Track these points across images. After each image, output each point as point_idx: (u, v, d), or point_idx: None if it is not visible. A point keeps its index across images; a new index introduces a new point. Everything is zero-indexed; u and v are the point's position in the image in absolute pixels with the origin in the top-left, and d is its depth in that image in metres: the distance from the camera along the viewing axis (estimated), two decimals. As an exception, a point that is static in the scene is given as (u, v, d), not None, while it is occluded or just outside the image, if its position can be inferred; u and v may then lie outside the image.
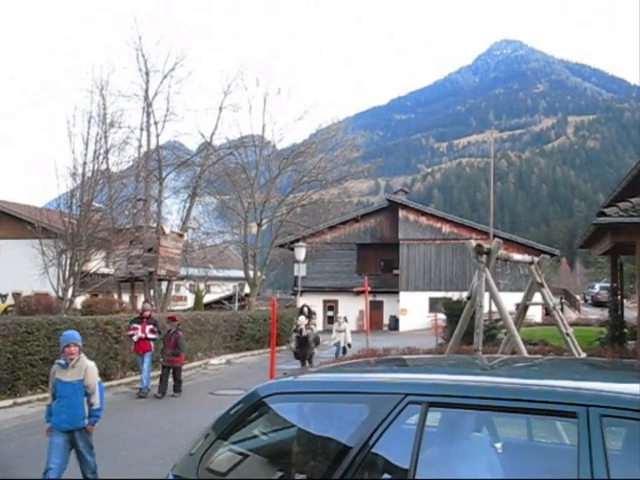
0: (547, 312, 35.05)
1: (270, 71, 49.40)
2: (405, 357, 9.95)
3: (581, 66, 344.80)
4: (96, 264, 26.30)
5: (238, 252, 43.71)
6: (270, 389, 3.79)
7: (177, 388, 16.28)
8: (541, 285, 12.40)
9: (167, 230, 30.92)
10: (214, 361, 23.78)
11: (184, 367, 21.87)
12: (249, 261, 37.52)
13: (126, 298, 31.26)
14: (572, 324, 17.29)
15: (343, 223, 48.71)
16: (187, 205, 35.09)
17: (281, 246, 42.98)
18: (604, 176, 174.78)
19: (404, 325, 45.57)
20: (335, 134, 40.39)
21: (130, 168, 32.12)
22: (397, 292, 47.53)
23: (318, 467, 3.40)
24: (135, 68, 33.06)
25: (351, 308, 46.95)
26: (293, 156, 39.08)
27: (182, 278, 38.78)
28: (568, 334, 12.25)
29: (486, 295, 11.92)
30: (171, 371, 16.42)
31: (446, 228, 48.45)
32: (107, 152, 26.89)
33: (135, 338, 16.55)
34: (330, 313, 50.11)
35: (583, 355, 12.00)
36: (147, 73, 32.55)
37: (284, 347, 25.96)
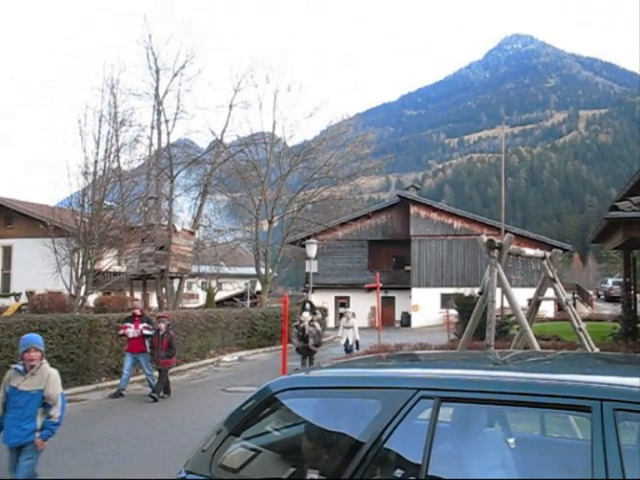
0: (559, 307, 34.99)
1: (280, 68, 49.44)
2: (417, 352, 9.94)
3: (592, 60, 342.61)
4: (108, 262, 26.42)
5: (249, 249, 43.71)
6: (282, 385, 3.79)
7: (166, 389, 15.58)
8: (553, 280, 12.34)
9: (179, 228, 30.96)
10: (226, 358, 23.84)
11: (188, 366, 22.04)
12: (260, 258, 37.55)
13: (138, 296, 31.35)
14: (585, 319, 17.21)
15: (354, 220, 48.71)
16: (198, 203, 35.15)
17: (292, 243, 43.02)
18: (616, 170, 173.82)
19: (416, 321, 45.55)
20: (346, 130, 40.32)
21: (141, 166, 32.23)
22: (409, 288, 47.51)
23: (330, 463, 3.40)
24: (145, 66, 33.08)
25: (363, 304, 47.01)
26: (304, 153, 39.08)
27: (194, 276, 38.88)
28: (581, 329, 12.20)
29: (498, 290, 11.88)
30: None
31: (457, 224, 48.37)
32: (118, 150, 26.99)
33: (130, 334, 15.85)
34: (342, 310, 50.10)
35: (596, 350, 11.95)
36: (157, 71, 32.58)
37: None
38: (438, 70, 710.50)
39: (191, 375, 20.21)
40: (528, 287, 28.98)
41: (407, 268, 49.02)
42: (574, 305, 15.69)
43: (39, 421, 7.03)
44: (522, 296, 20.01)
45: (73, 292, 23.40)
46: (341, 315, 22.17)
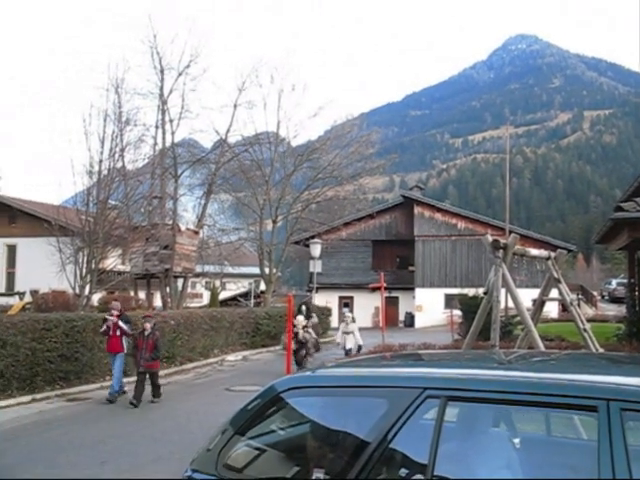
0: (564, 308, 34.92)
1: (284, 68, 49.42)
2: (422, 352, 9.93)
3: (597, 60, 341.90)
4: (112, 261, 26.43)
5: (253, 249, 43.77)
6: (287, 384, 3.79)
7: (156, 393, 14.91)
8: (558, 281, 12.33)
9: (183, 227, 31.01)
10: (230, 357, 23.87)
11: (192, 366, 22.06)
12: (264, 258, 37.56)
13: (142, 295, 31.39)
14: (589, 320, 17.18)
15: (358, 220, 48.68)
16: (202, 202, 35.16)
17: (296, 243, 43.01)
18: (620, 171, 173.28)
19: (420, 321, 45.50)
20: (350, 130, 40.35)
21: (146, 166, 32.27)
22: (412, 288, 47.47)
23: (336, 462, 3.40)
24: (150, 66, 33.12)
25: (367, 305, 47.05)
26: (308, 153, 39.08)
27: (198, 275, 38.90)
28: (586, 330, 12.18)
29: (502, 291, 11.87)
30: (147, 377, 14.83)
31: (461, 224, 48.31)
32: (123, 150, 26.99)
33: (108, 324, 15.09)
34: (346, 310, 50.13)
35: (601, 351, 11.93)
36: (162, 71, 32.60)
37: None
38: (442, 70, 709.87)
39: (195, 374, 20.24)
40: (532, 288, 28.99)
41: (411, 268, 48.97)
42: (578, 306, 15.68)
43: None
44: (526, 297, 19.97)
45: (77, 291, 23.42)
46: (342, 319, 21.62)
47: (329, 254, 44.53)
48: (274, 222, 37.81)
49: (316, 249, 29.25)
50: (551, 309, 35.46)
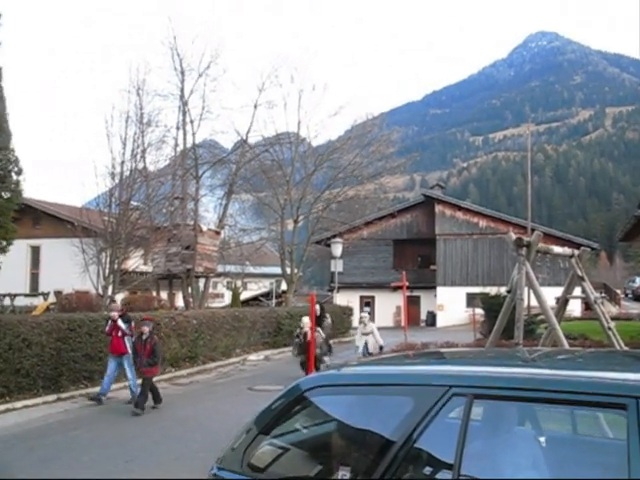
0: (587, 306, 34.65)
1: (304, 68, 49.53)
2: (445, 350, 9.88)
3: (619, 56, 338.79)
4: (135, 262, 26.58)
5: (275, 249, 43.87)
6: (312, 382, 3.80)
7: (157, 398, 14.12)
8: (582, 279, 12.24)
9: (204, 228, 31.12)
10: (252, 357, 23.91)
11: (215, 365, 22.11)
12: (286, 258, 37.59)
13: (164, 295, 31.54)
14: (613, 318, 17.03)
15: (379, 219, 48.64)
16: (224, 202, 35.26)
17: (317, 242, 43.01)
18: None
19: (441, 321, 45.35)
20: (370, 130, 40.26)
21: (167, 167, 32.42)
22: (434, 287, 47.31)
23: (361, 461, 3.40)
24: (170, 67, 33.23)
25: (388, 304, 47.01)
26: (328, 152, 39.08)
27: (219, 275, 39.02)
28: (610, 328, 12.08)
29: (525, 289, 11.81)
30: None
31: (483, 222, 48.08)
32: (144, 151, 27.15)
33: (109, 326, 14.69)
34: (367, 309, 50.07)
35: (626, 349, 11.83)
36: (182, 72, 32.70)
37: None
38: (462, 69, 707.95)
39: (217, 374, 20.31)
40: (555, 286, 28.77)
41: (432, 267, 48.82)
42: (602, 304, 15.58)
43: None
44: (549, 295, 19.83)
45: (100, 291, 23.58)
46: (360, 321, 20.57)
47: (350, 253, 44.48)
48: (295, 222, 37.83)
49: (337, 248, 29.25)
50: (574, 308, 35.22)
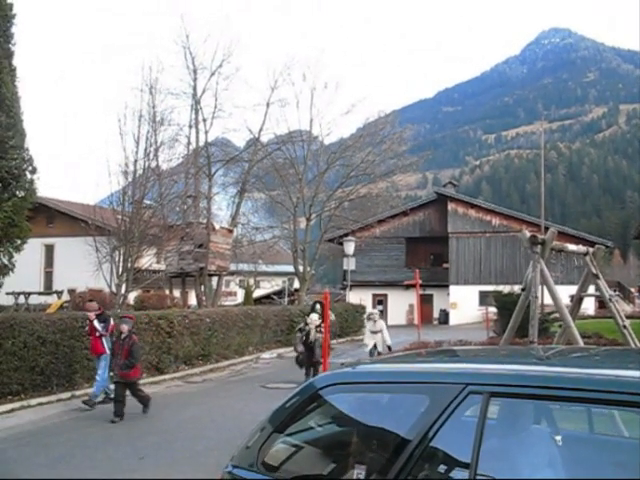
0: (601, 305, 34.48)
1: (317, 66, 49.71)
2: (460, 348, 9.83)
3: (633, 53, 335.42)
4: (148, 260, 26.66)
5: (287, 247, 43.86)
6: (327, 380, 3.78)
7: (144, 403, 13.03)
8: (596, 276, 12.17)
9: (217, 226, 31.18)
10: (265, 355, 23.94)
11: (228, 363, 22.12)
12: (298, 256, 37.62)
13: (177, 293, 31.65)
14: (627, 317, 16.94)
15: (392, 217, 48.60)
16: (236, 201, 35.33)
17: (330, 241, 43.03)
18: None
19: (454, 319, 45.32)
20: (382, 128, 40.22)
21: (180, 165, 32.50)
22: (447, 286, 47.28)
23: (376, 459, 3.38)
24: (183, 66, 33.33)
25: (401, 302, 47.03)
26: (341, 150, 39.08)
27: (232, 273, 39.11)
28: (625, 326, 12.00)
29: (540, 287, 11.75)
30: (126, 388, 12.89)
31: (496, 220, 48.01)
32: (157, 149, 27.25)
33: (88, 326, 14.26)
34: (380, 307, 50.07)
35: (641, 348, 11.76)
36: (195, 71, 32.79)
37: (334, 341, 25.84)
38: (475, 66, 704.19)
39: (230, 372, 20.36)
40: (568, 284, 28.71)
41: (445, 265, 48.79)
42: (616, 302, 15.48)
43: None
44: (562, 293, 19.75)
45: (114, 290, 23.67)
46: (379, 313, 19.93)
47: (363, 252, 44.51)
48: (308, 220, 37.85)
49: (350, 247, 29.25)
50: (588, 306, 35.05)
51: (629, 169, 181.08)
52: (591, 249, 12.59)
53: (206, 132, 33.20)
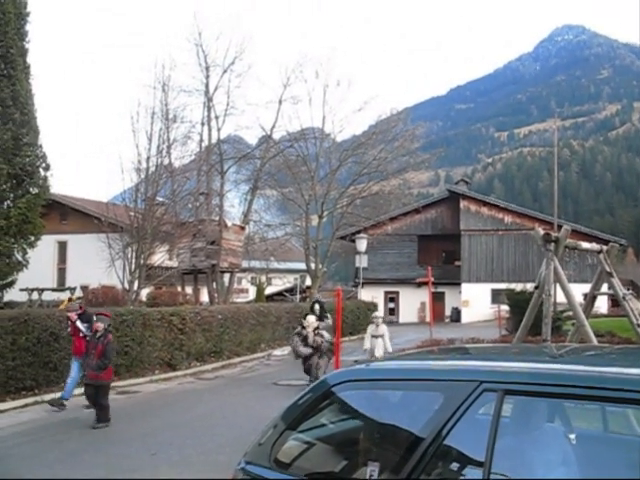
0: (614, 303, 34.30)
1: (329, 63, 49.84)
2: (474, 345, 9.79)
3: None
4: (160, 257, 26.73)
5: (299, 244, 43.90)
6: (340, 377, 3.78)
7: (101, 416, 11.64)
8: (610, 274, 12.13)
9: (229, 223, 31.24)
10: (277, 352, 23.96)
11: (239, 360, 22.17)
12: (310, 253, 37.63)
13: (189, 290, 31.70)
14: (641, 315, 16.89)
15: (404, 214, 48.58)
16: (248, 198, 35.38)
17: (342, 238, 43.00)
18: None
19: (466, 317, 45.22)
20: (395, 125, 40.17)
21: (192, 162, 32.52)
22: (459, 283, 47.18)
23: (389, 457, 3.37)
24: (195, 63, 33.39)
25: (413, 300, 46.97)
26: (353, 148, 39.08)
27: (244, 270, 39.13)
28: (639, 325, 11.97)
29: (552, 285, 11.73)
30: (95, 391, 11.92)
31: (508, 218, 47.88)
32: (170, 147, 27.25)
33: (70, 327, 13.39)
34: (391, 305, 50.05)
35: (655, 346, 11.70)
36: (207, 68, 32.86)
37: (346, 338, 25.84)
38: (487, 63, 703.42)
39: (242, 369, 20.41)
40: (580, 282, 28.51)
41: (457, 263, 48.68)
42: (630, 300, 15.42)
43: None
44: (575, 291, 19.69)
45: (126, 286, 23.75)
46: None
47: (375, 249, 44.44)
48: (320, 217, 37.86)
49: (362, 244, 29.23)
50: (601, 304, 34.91)
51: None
52: (605, 247, 12.55)
53: (218, 129, 33.31)
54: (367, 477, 3.25)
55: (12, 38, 17.67)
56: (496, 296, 40.01)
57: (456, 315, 46.78)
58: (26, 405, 13.26)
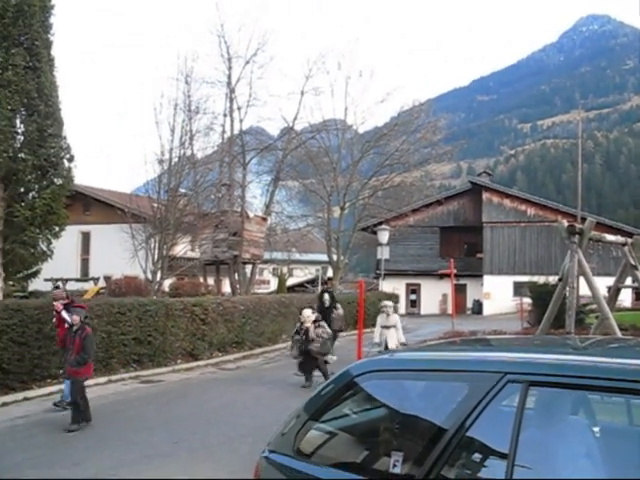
0: (638, 296, 34.02)
1: (351, 55, 49.56)
2: (498, 337, 9.73)
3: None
4: (182, 248, 26.86)
5: (321, 236, 43.91)
6: (363, 368, 3.78)
7: (77, 417, 10.78)
8: (635, 267, 12.03)
9: (251, 214, 31.30)
10: (298, 343, 23.97)
11: (261, 350, 22.21)
12: (332, 245, 37.65)
13: (211, 281, 31.84)
14: (665, 308, 16.76)
15: (426, 206, 48.44)
16: (270, 189, 35.47)
17: (364, 229, 42.97)
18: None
19: (488, 309, 45.07)
20: (417, 116, 40.00)
21: (214, 153, 32.66)
22: (481, 276, 47.02)
23: (412, 447, 3.37)
24: (218, 55, 33.47)
25: (434, 292, 46.88)
26: (375, 139, 38.99)
27: (266, 262, 39.23)
28: (663, 318, 11.87)
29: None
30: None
31: (531, 210, 47.60)
32: (192, 138, 27.34)
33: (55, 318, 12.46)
34: (413, 297, 50.00)
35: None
36: (230, 59, 32.91)
37: (367, 330, 25.76)
38: (511, 54, 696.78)
39: (264, 359, 20.49)
40: (604, 275, 28.25)
41: (479, 255, 48.52)
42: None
43: None
44: (599, 284, 19.54)
45: (149, 277, 23.91)
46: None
47: (396, 241, 44.33)
48: (342, 209, 37.85)
49: (384, 236, 29.14)
50: (624, 298, 34.60)
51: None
52: (630, 240, 12.44)
53: (241, 120, 33.36)
54: (391, 466, 3.26)
55: (37, 30, 17.81)
56: (518, 289, 39.83)
57: (478, 307, 46.65)
58: (51, 393, 13.40)
